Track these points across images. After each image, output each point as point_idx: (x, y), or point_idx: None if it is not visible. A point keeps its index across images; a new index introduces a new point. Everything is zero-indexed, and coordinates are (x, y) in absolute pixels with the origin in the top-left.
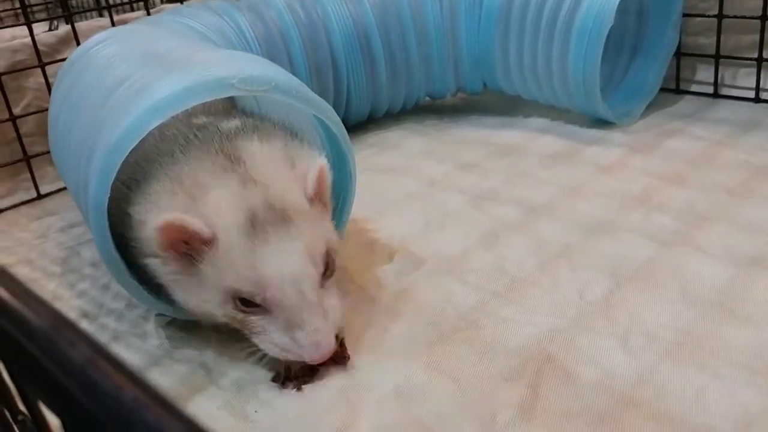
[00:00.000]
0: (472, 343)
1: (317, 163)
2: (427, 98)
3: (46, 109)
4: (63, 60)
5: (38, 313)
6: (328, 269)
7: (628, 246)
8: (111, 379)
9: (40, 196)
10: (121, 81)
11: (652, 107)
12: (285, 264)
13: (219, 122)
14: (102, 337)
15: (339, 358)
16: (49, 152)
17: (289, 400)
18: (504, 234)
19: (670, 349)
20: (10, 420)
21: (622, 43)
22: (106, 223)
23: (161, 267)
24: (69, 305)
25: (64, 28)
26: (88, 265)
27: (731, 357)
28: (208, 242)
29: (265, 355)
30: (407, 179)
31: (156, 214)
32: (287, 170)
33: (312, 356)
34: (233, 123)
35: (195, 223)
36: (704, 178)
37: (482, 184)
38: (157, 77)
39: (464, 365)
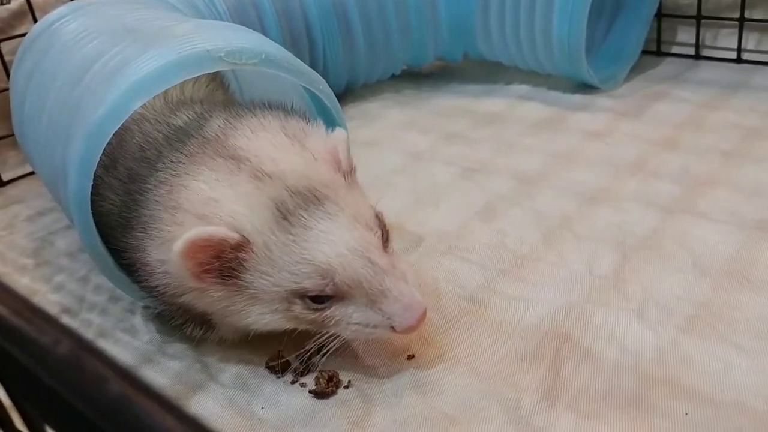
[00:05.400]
0: (484, 324)
1: (339, 135)
2: (404, 66)
3: (5, 90)
4: (18, 36)
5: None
6: (384, 233)
7: (630, 215)
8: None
9: (2, 183)
10: (94, 58)
11: (634, 70)
12: (340, 240)
13: (201, 124)
14: (86, 334)
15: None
16: (9, 136)
17: (296, 394)
18: (500, 206)
19: (689, 322)
20: None
21: (603, 6)
22: (90, 213)
23: (203, 300)
24: (47, 300)
25: (17, 2)
26: (63, 256)
27: (752, 327)
28: (242, 248)
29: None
30: (392, 152)
31: (172, 247)
32: (299, 152)
33: (405, 322)
34: (216, 122)
35: (218, 230)
36: (697, 142)
37: (470, 155)
38: (137, 52)
39: (478, 349)
